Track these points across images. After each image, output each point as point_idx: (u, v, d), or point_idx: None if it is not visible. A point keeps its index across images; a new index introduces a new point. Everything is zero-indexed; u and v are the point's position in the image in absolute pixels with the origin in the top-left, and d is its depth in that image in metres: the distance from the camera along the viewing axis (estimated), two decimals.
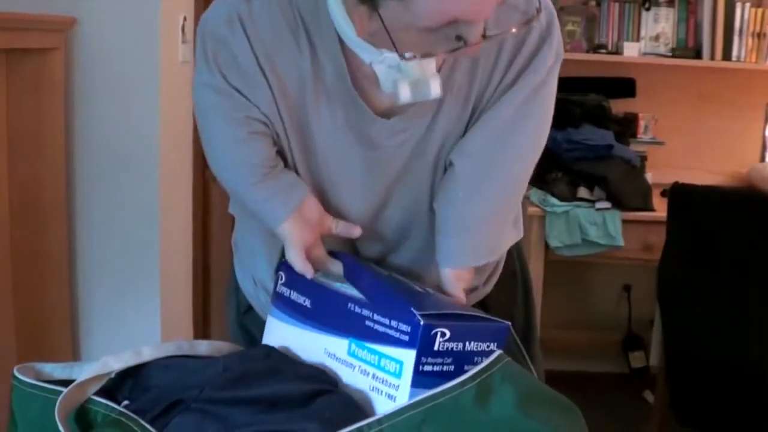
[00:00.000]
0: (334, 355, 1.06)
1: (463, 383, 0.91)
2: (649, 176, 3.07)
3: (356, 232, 1.19)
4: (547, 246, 2.89)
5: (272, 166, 1.16)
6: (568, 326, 3.46)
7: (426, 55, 0.98)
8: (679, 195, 2.49)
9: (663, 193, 2.81)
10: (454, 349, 0.96)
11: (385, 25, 0.96)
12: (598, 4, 3.24)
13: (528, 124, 1.19)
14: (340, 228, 1.19)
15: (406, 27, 0.96)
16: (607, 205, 2.86)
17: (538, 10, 1.07)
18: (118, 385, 1.02)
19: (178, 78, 2.33)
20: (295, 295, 1.15)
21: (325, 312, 1.09)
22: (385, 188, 1.20)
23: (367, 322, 1.02)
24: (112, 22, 2.15)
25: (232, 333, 1.41)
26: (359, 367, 1.02)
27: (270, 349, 1.12)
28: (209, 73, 1.11)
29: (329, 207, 1.19)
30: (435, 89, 1.03)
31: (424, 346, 0.95)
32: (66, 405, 0.95)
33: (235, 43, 1.08)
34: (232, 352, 1.11)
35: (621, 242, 2.83)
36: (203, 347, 1.11)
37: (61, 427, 0.91)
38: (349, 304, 1.05)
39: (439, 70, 1.04)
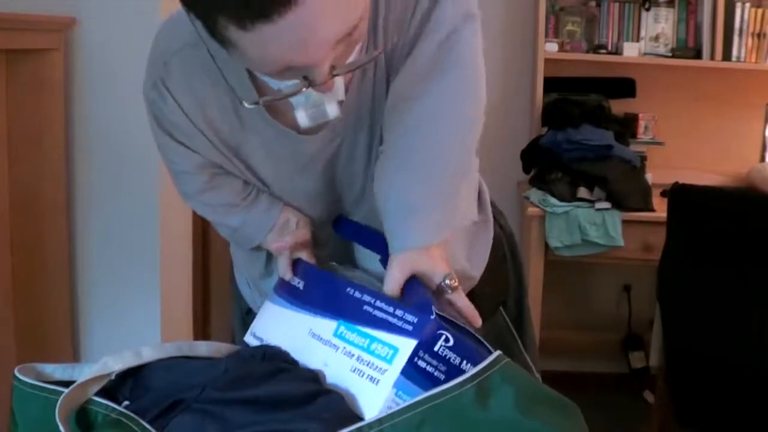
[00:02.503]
0: (319, 336, 1.07)
1: (462, 383, 0.91)
2: (649, 176, 3.07)
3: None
4: (546, 246, 2.89)
5: (243, 199, 1.20)
6: (568, 326, 3.46)
7: (279, 98, 0.99)
8: (679, 195, 2.49)
9: (663, 193, 2.81)
10: (451, 360, 0.96)
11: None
12: (598, 5, 3.24)
13: (438, 84, 1.08)
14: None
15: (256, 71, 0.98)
16: (607, 205, 2.86)
17: None
18: (118, 386, 1.02)
19: None
20: (295, 280, 1.17)
21: (318, 294, 1.11)
22: (339, 187, 1.22)
23: (366, 307, 1.03)
24: (112, 22, 2.16)
25: (238, 333, 1.43)
26: (343, 348, 1.03)
27: (269, 349, 1.12)
28: (157, 133, 1.17)
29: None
30: (332, 111, 1.03)
31: (425, 340, 0.96)
32: (66, 405, 0.95)
33: (164, 104, 1.13)
34: (232, 353, 1.11)
35: (621, 242, 2.84)
36: (203, 348, 1.11)
37: (61, 428, 0.91)
38: (348, 288, 1.07)
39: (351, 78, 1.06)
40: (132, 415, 0.96)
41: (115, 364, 1.01)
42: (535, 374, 1.34)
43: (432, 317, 0.97)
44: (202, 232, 2.75)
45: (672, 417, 2.62)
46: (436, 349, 0.96)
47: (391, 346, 0.98)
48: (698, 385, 2.49)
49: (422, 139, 1.08)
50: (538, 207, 2.87)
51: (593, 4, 3.25)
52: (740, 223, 2.33)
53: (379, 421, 0.90)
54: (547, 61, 3.08)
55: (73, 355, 2.28)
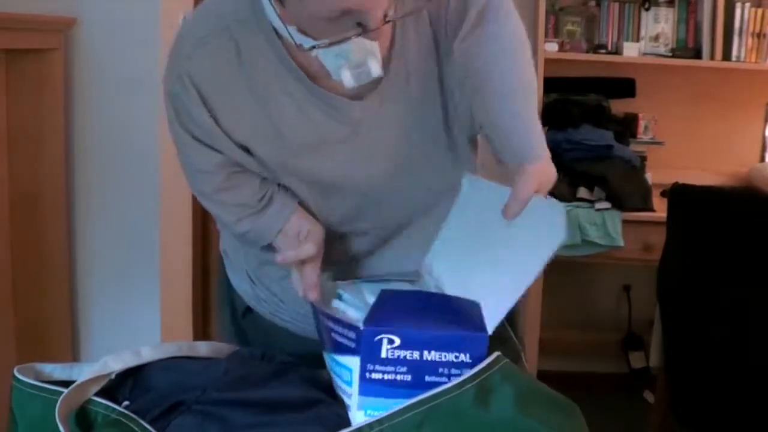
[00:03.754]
0: (329, 369, 1.06)
1: (462, 384, 0.90)
2: (649, 176, 3.07)
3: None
4: None
5: (259, 200, 1.18)
6: (568, 326, 3.46)
7: (334, 42, 1.00)
8: (679, 195, 2.48)
9: (663, 193, 2.81)
10: (408, 357, 0.92)
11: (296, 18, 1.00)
12: (598, 4, 3.24)
13: (498, 24, 1.16)
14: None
15: (310, 18, 0.99)
16: (607, 205, 2.86)
17: None
18: (118, 386, 1.02)
19: None
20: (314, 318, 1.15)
21: (320, 329, 1.10)
22: (374, 164, 1.20)
23: (332, 334, 1.01)
24: (112, 22, 2.16)
25: (227, 339, 1.40)
26: (335, 379, 1.02)
27: (268, 351, 1.12)
28: (176, 129, 1.15)
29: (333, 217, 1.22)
30: (375, 69, 1.05)
31: (369, 353, 0.92)
32: (66, 405, 0.95)
33: (188, 98, 1.11)
34: (232, 354, 1.11)
35: (621, 242, 2.83)
36: (204, 348, 1.11)
37: (61, 428, 0.91)
38: (323, 318, 1.05)
39: (392, 42, 1.08)
40: (132, 415, 0.96)
41: (115, 364, 1.01)
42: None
43: (361, 327, 0.93)
44: (202, 232, 2.75)
45: (672, 417, 2.62)
46: (384, 355, 0.92)
47: (347, 368, 0.96)
48: (698, 385, 2.49)
49: (513, 66, 1.16)
50: None
51: (593, 4, 3.25)
52: (740, 223, 2.33)
53: (379, 422, 0.90)
54: (547, 61, 3.08)
55: (73, 355, 2.28)
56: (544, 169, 1.21)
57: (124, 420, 0.96)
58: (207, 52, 1.10)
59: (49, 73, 2.10)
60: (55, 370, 1.04)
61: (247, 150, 1.15)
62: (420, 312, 1.02)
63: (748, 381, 2.32)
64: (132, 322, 2.27)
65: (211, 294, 2.86)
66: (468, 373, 0.91)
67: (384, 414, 0.90)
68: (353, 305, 1.07)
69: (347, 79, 1.05)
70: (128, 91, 2.18)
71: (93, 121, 2.19)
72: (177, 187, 2.38)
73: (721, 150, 3.34)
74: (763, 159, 3.28)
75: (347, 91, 1.11)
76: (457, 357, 0.93)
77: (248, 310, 1.38)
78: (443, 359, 0.93)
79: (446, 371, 0.92)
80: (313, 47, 1.01)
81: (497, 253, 1.09)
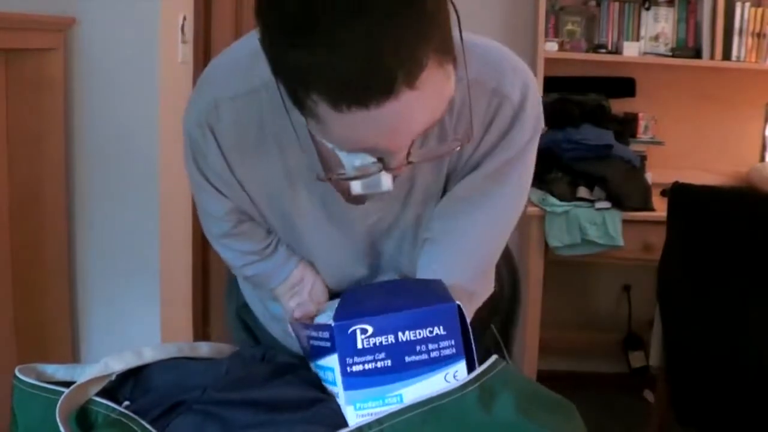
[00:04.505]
0: (322, 380, 1.06)
1: (464, 386, 0.91)
2: (649, 176, 3.07)
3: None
4: (546, 246, 2.89)
5: (264, 248, 1.21)
6: (568, 326, 3.46)
7: (353, 177, 0.97)
8: (679, 195, 2.49)
9: (663, 193, 2.81)
10: (384, 342, 0.92)
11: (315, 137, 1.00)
12: (598, 4, 3.24)
13: (500, 192, 1.14)
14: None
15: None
16: (606, 204, 2.86)
17: (506, 96, 1.06)
18: (119, 386, 1.02)
19: (177, 78, 2.33)
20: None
21: (302, 344, 1.11)
22: (369, 257, 1.22)
23: (311, 341, 1.03)
24: (111, 22, 2.15)
25: (232, 324, 1.44)
26: (325, 385, 1.03)
27: (268, 351, 1.13)
28: (191, 170, 1.15)
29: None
30: (386, 183, 1.01)
31: (345, 347, 0.93)
32: (67, 405, 0.95)
33: (206, 146, 1.10)
34: (233, 354, 1.11)
35: (621, 242, 2.83)
36: (204, 349, 1.11)
37: (61, 428, 0.91)
38: (301, 330, 1.07)
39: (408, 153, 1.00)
40: (132, 415, 0.96)
41: (116, 364, 1.01)
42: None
43: (332, 324, 0.93)
44: (202, 232, 2.75)
45: (672, 417, 2.62)
46: (360, 346, 0.93)
47: (330, 369, 0.97)
48: (698, 385, 2.49)
49: (473, 234, 1.15)
50: (537, 206, 2.87)
51: (593, 3, 3.25)
52: (740, 222, 2.33)
53: (379, 421, 0.90)
54: (547, 60, 3.08)
55: (73, 355, 2.28)
56: None
57: (124, 420, 0.96)
58: (233, 109, 1.08)
59: (49, 73, 2.09)
60: (57, 371, 1.04)
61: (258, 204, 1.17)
62: (385, 298, 1.03)
63: (748, 381, 2.32)
64: (132, 322, 2.27)
65: (211, 294, 2.86)
66: (470, 376, 0.92)
67: (384, 414, 0.90)
68: (327, 316, 1.09)
69: (356, 187, 1.03)
70: (128, 91, 2.18)
71: (93, 121, 2.19)
72: (177, 187, 2.38)
73: (721, 150, 3.34)
74: (763, 159, 3.28)
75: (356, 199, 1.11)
76: (431, 332, 0.93)
77: (245, 304, 1.40)
78: (419, 336, 0.93)
79: (425, 348, 0.93)
80: (329, 178, 0.99)
81: None
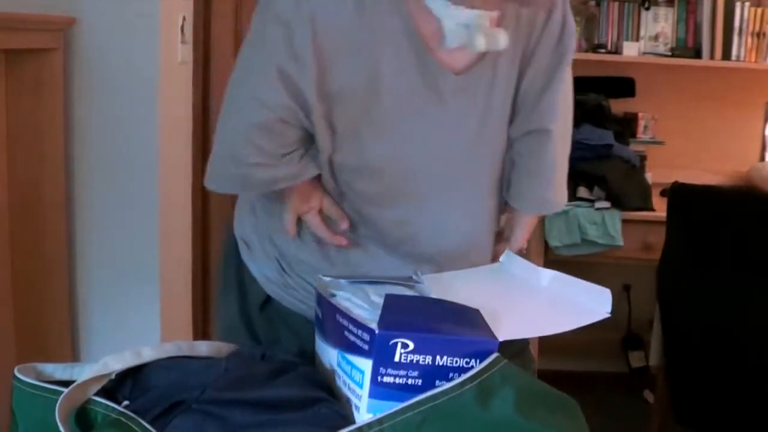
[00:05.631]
0: (332, 366, 1.06)
1: (462, 384, 0.91)
2: (649, 176, 3.07)
3: (343, 224, 1.26)
4: (546, 246, 2.89)
5: (288, 153, 1.20)
6: None
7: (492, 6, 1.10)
8: (679, 195, 2.49)
9: (663, 193, 2.81)
10: (421, 362, 0.92)
11: None
12: (598, 4, 3.24)
13: (562, 79, 1.30)
14: (326, 207, 1.26)
15: None
16: (606, 204, 2.86)
17: None
18: (118, 386, 1.02)
19: (177, 78, 2.33)
20: (317, 309, 1.15)
21: (326, 324, 1.09)
22: (450, 150, 1.25)
23: (345, 332, 1.01)
24: (111, 22, 2.15)
25: (230, 334, 1.39)
26: (342, 377, 1.02)
27: (269, 349, 1.12)
28: (262, 54, 1.15)
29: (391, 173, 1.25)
30: (503, 40, 1.13)
31: (381, 356, 0.92)
32: (66, 405, 0.95)
33: (299, 27, 1.11)
34: (232, 353, 1.11)
35: (621, 242, 2.84)
36: (203, 348, 1.11)
37: (61, 428, 0.91)
38: (337, 315, 1.05)
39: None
40: (132, 415, 0.96)
41: (116, 364, 1.01)
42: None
43: (376, 331, 0.93)
44: (202, 232, 2.75)
45: (672, 416, 2.62)
46: (397, 359, 0.92)
47: (359, 370, 0.96)
48: (698, 385, 2.49)
49: (563, 121, 1.33)
50: None
51: (593, 3, 3.25)
52: (740, 222, 2.33)
53: (379, 421, 0.90)
54: None
55: (73, 355, 2.28)
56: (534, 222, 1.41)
57: (124, 420, 0.96)
58: None
59: (49, 73, 2.09)
60: (56, 370, 1.04)
61: (328, 102, 1.16)
62: (428, 317, 1.02)
63: (747, 380, 2.32)
64: (132, 322, 2.27)
65: (211, 294, 2.86)
66: (468, 374, 0.91)
67: (384, 413, 0.90)
68: (357, 304, 1.07)
69: (480, 42, 1.12)
70: (128, 91, 2.18)
71: (93, 121, 2.19)
72: (177, 186, 2.38)
73: (721, 149, 3.34)
74: (762, 158, 3.28)
75: (451, 67, 1.18)
76: (467, 362, 0.93)
77: (265, 302, 1.37)
78: (455, 364, 0.93)
79: (456, 376, 0.92)
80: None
81: (501, 302, 1.10)
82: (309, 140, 1.22)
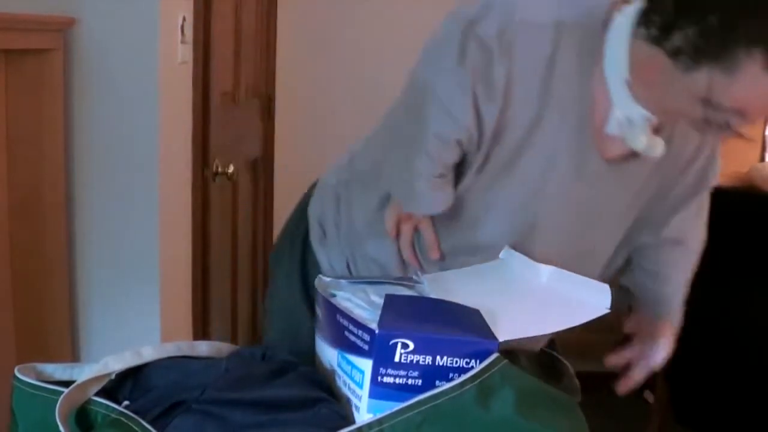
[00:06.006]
0: (332, 366, 1.06)
1: (462, 384, 0.91)
2: None
3: (434, 254, 1.27)
4: None
5: (441, 175, 1.20)
6: None
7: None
8: None
9: None
10: (421, 362, 0.93)
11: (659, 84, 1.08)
12: None
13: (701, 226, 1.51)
14: (425, 227, 1.27)
15: (686, 95, 1.05)
16: None
17: None
18: (118, 386, 1.02)
19: (177, 78, 2.33)
20: (317, 310, 1.15)
21: (326, 324, 1.10)
22: (577, 231, 1.27)
23: (345, 332, 1.02)
24: (111, 22, 2.15)
25: (295, 310, 1.39)
26: (342, 378, 1.02)
27: (269, 349, 1.12)
28: (462, 66, 1.12)
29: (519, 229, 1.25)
30: (660, 149, 1.16)
31: (381, 356, 0.93)
32: (66, 405, 0.95)
33: (498, 57, 1.10)
34: (232, 353, 1.11)
35: None
36: (204, 348, 1.11)
37: (61, 428, 0.91)
38: (337, 315, 1.05)
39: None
40: (132, 415, 0.96)
41: (116, 364, 1.01)
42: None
43: (376, 331, 0.93)
44: (203, 232, 2.75)
45: (672, 417, 2.62)
46: (397, 359, 0.93)
47: (359, 370, 0.97)
48: (698, 385, 2.49)
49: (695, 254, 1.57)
50: None
51: None
52: (740, 222, 2.33)
53: (379, 421, 0.90)
54: None
55: (73, 355, 2.28)
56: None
57: (124, 420, 0.96)
58: (533, 31, 1.11)
59: (48, 73, 2.09)
60: (56, 371, 1.04)
61: (495, 138, 1.16)
62: (428, 317, 1.02)
63: (748, 381, 2.32)
64: (132, 322, 2.27)
65: (211, 294, 2.86)
66: (468, 374, 0.92)
67: (384, 414, 0.90)
68: (357, 304, 1.08)
69: (641, 141, 1.14)
70: (128, 91, 2.18)
71: (93, 121, 2.19)
72: (177, 187, 2.38)
73: (721, 150, 3.34)
74: (763, 159, 3.28)
75: (602, 151, 1.20)
76: (468, 363, 0.94)
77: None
78: (455, 365, 0.94)
79: (456, 377, 0.93)
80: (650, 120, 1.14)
81: (502, 301, 1.10)
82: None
